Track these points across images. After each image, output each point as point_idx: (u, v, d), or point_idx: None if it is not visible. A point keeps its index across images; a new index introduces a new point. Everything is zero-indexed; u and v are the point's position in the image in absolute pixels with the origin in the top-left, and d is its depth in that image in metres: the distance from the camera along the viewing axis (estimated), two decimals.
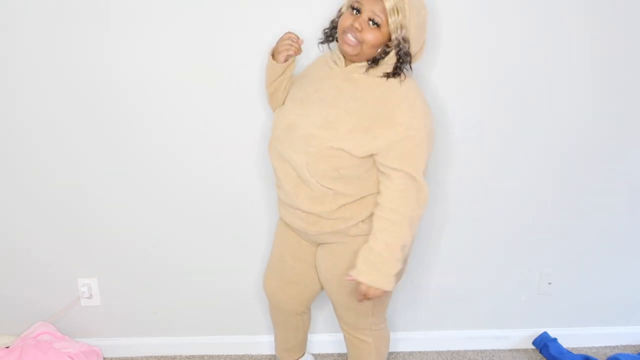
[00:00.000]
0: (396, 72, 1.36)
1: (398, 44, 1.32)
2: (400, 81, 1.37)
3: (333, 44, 1.49)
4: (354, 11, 1.32)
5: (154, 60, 1.70)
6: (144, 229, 1.91)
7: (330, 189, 1.37)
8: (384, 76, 1.37)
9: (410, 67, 1.41)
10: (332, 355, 2.08)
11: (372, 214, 1.40)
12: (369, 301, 1.47)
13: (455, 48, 1.73)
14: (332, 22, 1.45)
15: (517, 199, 1.92)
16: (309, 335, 1.93)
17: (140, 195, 1.86)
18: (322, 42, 1.49)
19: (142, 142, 1.80)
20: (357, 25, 1.29)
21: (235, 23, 1.67)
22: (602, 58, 1.76)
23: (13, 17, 1.64)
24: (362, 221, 1.43)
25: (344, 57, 1.39)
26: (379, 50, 1.35)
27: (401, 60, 1.35)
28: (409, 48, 1.33)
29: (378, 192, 1.39)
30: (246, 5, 1.65)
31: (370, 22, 1.30)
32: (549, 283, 2.03)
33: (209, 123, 1.78)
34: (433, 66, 1.74)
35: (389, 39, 1.33)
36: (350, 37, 1.31)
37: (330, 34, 1.46)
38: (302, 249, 1.60)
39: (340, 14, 1.39)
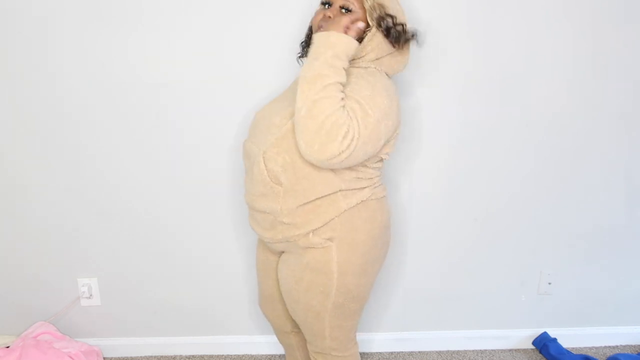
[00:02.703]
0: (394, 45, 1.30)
1: (380, 22, 1.27)
2: (371, 69, 1.31)
3: None
4: (325, 5, 1.31)
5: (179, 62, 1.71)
6: (144, 229, 1.91)
7: (280, 184, 1.26)
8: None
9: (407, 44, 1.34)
10: None
11: (324, 226, 1.29)
12: (322, 319, 1.37)
13: (456, 47, 1.73)
14: (308, 34, 1.44)
15: (517, 199, 1.92)
16: None
17: (140, 195, 1.86)
18: (301, 56, 1.48)
19: (143, 142, 1.80)
20: (328, 14, 1.28)
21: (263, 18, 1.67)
22: (601, 57, 1.76)
23: (49, 19, 1.66)
24: (313, 232, 1.29)
25: None
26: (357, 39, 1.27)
27: (393, 35, 1.29)
28: (395, 20, 1.28)
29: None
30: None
31: (343, 10, 1.27)
32: (549, 283, 2.03)
33: (217, 124, 1.79)
34: (433, 67, 1.74)
35: (367, 26, 1.29)
36: (322, 30, 1.26)
37: (308, 44, 1.43)
38: (270, 264, 1.51)
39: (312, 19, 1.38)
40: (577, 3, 1.71)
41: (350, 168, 1.28)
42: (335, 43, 1.19)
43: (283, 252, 1.43)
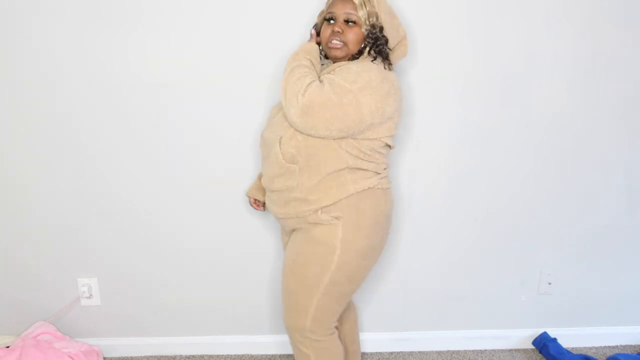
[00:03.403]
0: (372, 54, 1.44)
1: (370, 32, 1.42)
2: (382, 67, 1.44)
3: None
4: (330, 21, 1.44)
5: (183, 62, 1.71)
6: (144, 229, 1.91)
7: (296, 163, 1.40)
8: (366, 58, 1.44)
9: (389, 62, 1.47)
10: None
11: (332, 205, 1.40)
12: (313, 295, 1.44)
13: (456, 47, 1.73)
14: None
15: (517, 199, 1.92)
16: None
17: (140, 195, 1.86)
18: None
19: (143, 142, 1.81)
20: (337, 28, 1.42)
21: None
22: (601, 57, 1.77)
23: (48, 19, 1.66)
24: (322, 209, 1.41)
25: (333, 61, 1.49)
26: (362, 45, 1.45)
27: (375, 45, 1.43)
28: (381, 31, 1.43)
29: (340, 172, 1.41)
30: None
31: (348, 23, 1.42)
32: (549, 283, 2.03)
33: (217, 124, 1.79)
34: (433, 67, 1.74)
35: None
36: (335, 42, 1.42)
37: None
38: (284, 243, 1.64)
39: (318, 29, 1.51)
40: (577, 3, 1.71)
41: (353, 144, 1.39)
42: (299, 50, 1.47)
43: (293, 230, 1.52)
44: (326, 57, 1.51)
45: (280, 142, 1.41)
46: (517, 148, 1.85)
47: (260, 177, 1.69)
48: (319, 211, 1.41)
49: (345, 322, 1.74)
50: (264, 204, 1.71)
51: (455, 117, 1.80)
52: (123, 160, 1.82)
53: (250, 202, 1.76)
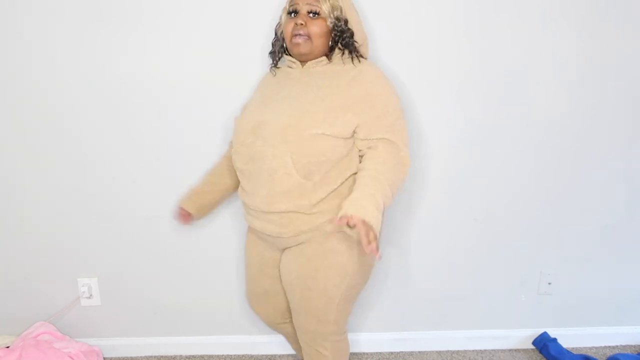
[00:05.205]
0: (341, 48, 1.40)
1: (335, 24, 1.38)
2: (361, 63, 1.42)
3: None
4: (292, 14, 1.39)
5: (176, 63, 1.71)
6: (144, 229, 1.91)
7: (309, 180, 1.34)
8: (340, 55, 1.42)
9: (360, 54, 1.44)
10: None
11: None
12: (333, 303, 1.43)
13: (455, 47, 1.73)
14: (274, 44, 1.49)
15: (517, 199, 1.92)
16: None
17: (140, 195, 1.86)
18: (275, 66, 1.51)
19: (143, 142, 1.81)
20: (300, 21, 1.36)
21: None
22: (601, 57, 1.76)
23: (48, 20, 1.65)
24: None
25: (298, 60, 1.44)
26: (329, 42, 1.41)
27: (343, 39, 1.39)
28: (346, 24, 1.39)
29: (361, 165, 1.38)
30: None
31: (311, 14, 1.37)
32: (549, 283, 2.03)
33: (217, 124, 1.78)
34: (433, 67, 1.74)
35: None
36: (298, 38, 1.37)
37: (278, 52, 1.50)
38: (266, 261, 1.56)
39: (277, 30, 1.46)
40: (577, 3, 1.71)
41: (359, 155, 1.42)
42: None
43: (287, 248, 1.46)
44: (288, 54, 1.47)
45: (292, 159, 1.32)
46: (517, 148, 1.85)
47: (197, 189, 1.64)
48: (334, 218, 1.35)
49: None
50: (189, 214, 1.66)
51: (455, 117, 1.80)
52: (123, 160, 1.82)
53: (178, 212, 1.67)
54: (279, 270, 1.54)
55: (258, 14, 1.67)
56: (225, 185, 1.66)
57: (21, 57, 1.70)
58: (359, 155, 1.41)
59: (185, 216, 1.67)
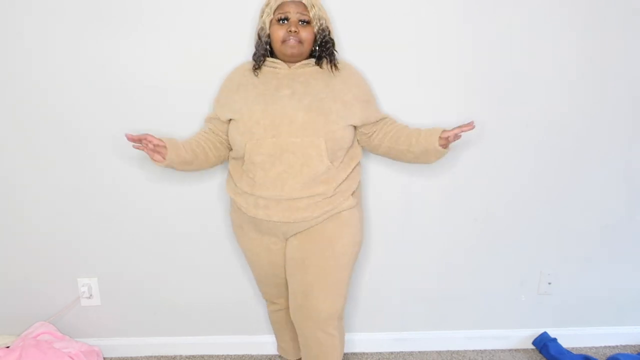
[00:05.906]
0: (325, 56, 1.54)
1: (321, 33, 1.52)
2: (343, 65, 1.59)
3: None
4: (282, 21, 1.50)
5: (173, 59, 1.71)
6: (144, 229, 1.91)
7: (334, 165, 1.52)
8: (327, 64, 1.56)
9: (336, 61, 1.58)
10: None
11: (355, 190, 1.61)
12: (346, 272, 1.58)
13: (456, 47, 1.73)
14: (258, 45, 1.55)
15: (516, 199, 1.92)
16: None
17: (141, 195, 1.86)
18: (256, 68, 1.56)
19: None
20: (293, 28, 1.48)
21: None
22: (601, 57, 1.76)
23: (47, 19, 1.65)
24: (352, 194, 1.59)
25: (285, 61, 1.55)
26: (315, 47, 1.54)
27: (327, 46, 1.53)
28: (329, 34, 1.54)
29: (387, 129, 1.65)
30: None
31: (301, 22, 1.50)
32: (549, 283, 2.03)
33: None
34: (433, 67, 1.74)
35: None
36: (292, 41, 1.48)
37: (262, 54, 1.55)
38: (272, 250, 1.62)
39: (261, 34, 1.52)
40: (577, 3, 1.71)
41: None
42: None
43: (296, 233, 1.55)
44: (272, 55, 1.56)
45: (326, 146, 1.48)
46: (517, 148, 1.85)
47: (176, 144, 1.55)
48: (350, 197, 1.57)
49: None
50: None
51: (454, 117, 1.80)
52: (123, 160, 1.82)
53: (154, 141, 1.48)
54: (288, 254, 1.59)
55: (258, 14, 1.67)
56: (203, 156, 1.61)
57: (21, 57, 1.70)
58: (364, 139, 1.66)
59: (161, 148, 1.51)
